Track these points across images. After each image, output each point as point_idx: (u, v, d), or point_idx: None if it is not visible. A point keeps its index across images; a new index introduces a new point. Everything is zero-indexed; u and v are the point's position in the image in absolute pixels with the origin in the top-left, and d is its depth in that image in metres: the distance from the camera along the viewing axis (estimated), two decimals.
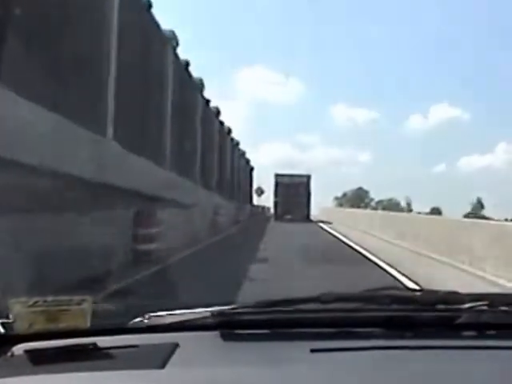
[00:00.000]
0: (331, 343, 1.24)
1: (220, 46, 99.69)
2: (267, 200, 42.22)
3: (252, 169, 40.24)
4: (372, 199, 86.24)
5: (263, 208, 44.62)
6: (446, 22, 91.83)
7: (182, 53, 13.43)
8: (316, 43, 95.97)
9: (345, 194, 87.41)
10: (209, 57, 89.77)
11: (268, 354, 1.21)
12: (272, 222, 30.88)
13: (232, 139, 26.89)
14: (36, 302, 1.21)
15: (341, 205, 75.84)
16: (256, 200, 42.11)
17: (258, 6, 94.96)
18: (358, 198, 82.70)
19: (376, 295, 1.43)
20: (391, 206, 77.44)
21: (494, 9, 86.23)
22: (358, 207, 55.73)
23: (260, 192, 42.07)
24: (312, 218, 35.92)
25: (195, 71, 15.63)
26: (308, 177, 37.61)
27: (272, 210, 46.68)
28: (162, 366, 1.11)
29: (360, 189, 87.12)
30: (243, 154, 33.02)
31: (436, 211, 63.25)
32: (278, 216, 34.98)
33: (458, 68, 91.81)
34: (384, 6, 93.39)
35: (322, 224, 28.23)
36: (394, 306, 1.36)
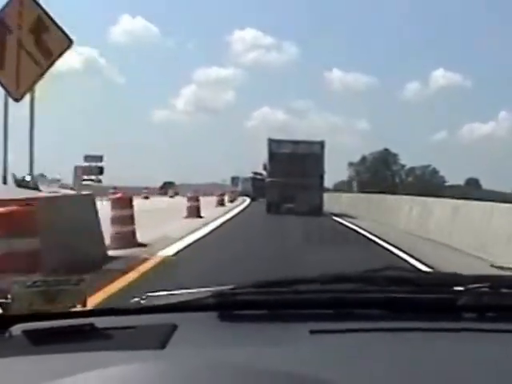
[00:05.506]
0: (331, 324, 1.23)
1: (210, 8, 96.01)
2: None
3: None
4: (403, 166, 67.13)
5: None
6: None
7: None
8: (312, 5, 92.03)
9: (364, 158, 66.78)
10: (197, 19, 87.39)
11: (267, 334, 1.21)
12: None
13: None
14: (35, 282, 1.22)
15: (357, 174, 61.35)
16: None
17: None
18: (383, 164, 66.37)
19: (376, 276, 1.42)
20: (427, 175, 63.79)
21: None
22: (384, 178, 47.10)
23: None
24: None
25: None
26: (321, 144, 23.12)
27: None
28: (162, 346, 1.11)
29: (386, 151, 66.04)
30: None
31: (474, 183, 55.02)
32: (273, 205, 22.20)
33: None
34: None
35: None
36: (394, 288, 1.35)
